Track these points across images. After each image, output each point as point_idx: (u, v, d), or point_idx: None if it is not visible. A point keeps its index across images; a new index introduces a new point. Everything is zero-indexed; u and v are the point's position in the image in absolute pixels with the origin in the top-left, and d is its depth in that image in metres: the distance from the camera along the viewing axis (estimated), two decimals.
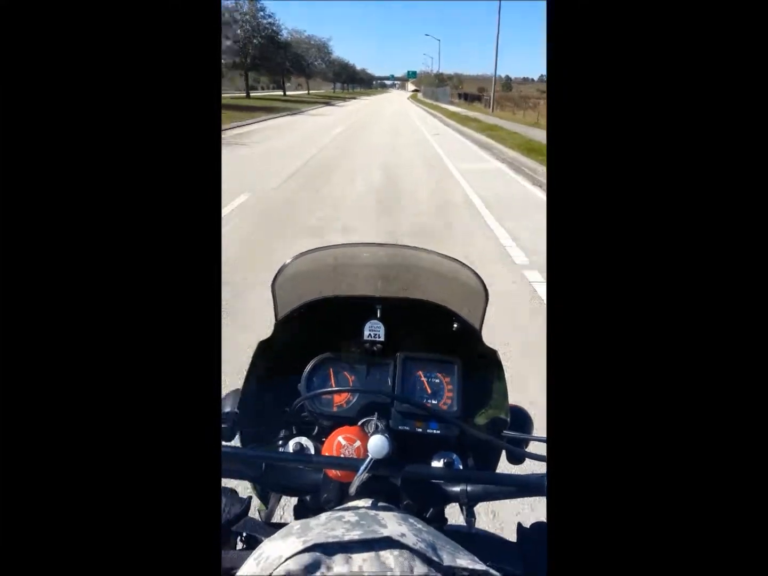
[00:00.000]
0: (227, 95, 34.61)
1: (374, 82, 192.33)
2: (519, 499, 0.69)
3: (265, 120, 19.17)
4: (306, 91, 68.03)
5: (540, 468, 0.49)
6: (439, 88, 54.93)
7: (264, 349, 0.67)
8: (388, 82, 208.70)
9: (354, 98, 59.69)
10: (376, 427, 0.59)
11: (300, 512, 0.58)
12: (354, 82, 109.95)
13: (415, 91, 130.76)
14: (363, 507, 0.47)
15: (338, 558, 0.36)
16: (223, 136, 10.87)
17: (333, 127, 16.89)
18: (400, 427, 0.61)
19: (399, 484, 0.54)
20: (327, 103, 37.87)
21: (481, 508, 1.55)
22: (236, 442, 0.63)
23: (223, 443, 0.55)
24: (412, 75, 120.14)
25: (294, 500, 0.61)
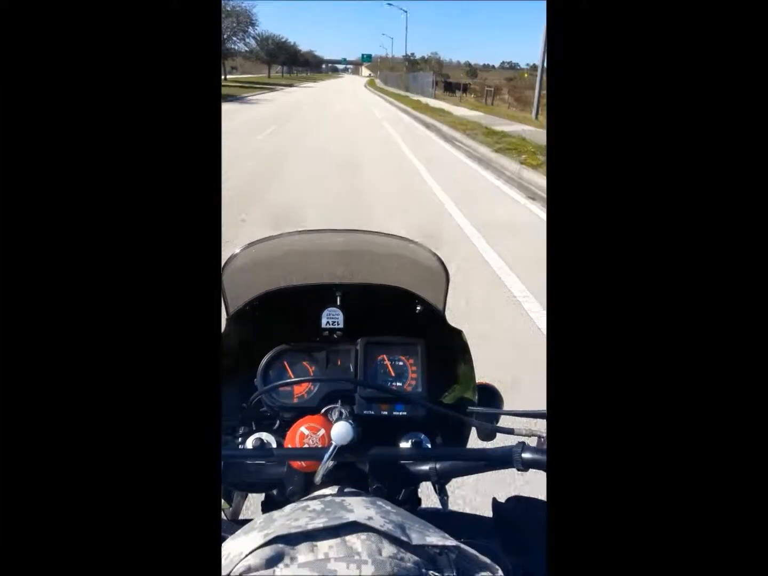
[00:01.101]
0: None
1: (323, 66, 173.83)
2: (497, 477, 0.70)
3: None
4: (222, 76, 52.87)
5: (509, 441, 0.52)
6: (412, 74, 40.43)
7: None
8: (339, 66, 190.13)
9: (290, 85, 41.97)
10: (340, 413, 0.58)
11: (267, 507, 0.57)
12: (296, 64, 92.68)
13: (370, 77, 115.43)
14: (329, 495, 0.47)
15: (302, 547, 0.35)
16: None
17: None
18: (365, 412, 0.61)
19: (367, 469, 0.53)
20: (231, 98, 19.75)
21: (464, 488, 1.51)
22: None
23: None
24: (366, 59, 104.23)
25: (262, 496, 0.60)
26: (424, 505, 0.60)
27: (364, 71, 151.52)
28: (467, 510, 0.95)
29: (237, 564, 0.34)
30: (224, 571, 0.33)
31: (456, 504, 1.48)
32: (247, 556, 0.34)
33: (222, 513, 0.61)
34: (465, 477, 0.58)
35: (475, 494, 1.52)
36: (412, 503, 0.57)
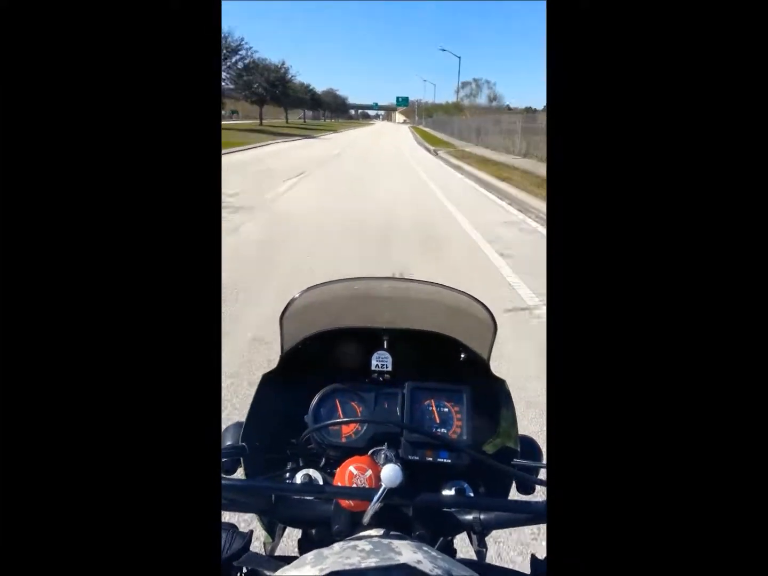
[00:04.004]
0: None
1: (353, 112, 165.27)
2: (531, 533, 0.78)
3: None
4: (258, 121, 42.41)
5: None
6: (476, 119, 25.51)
7: (269, 381, 0.67)
8: (371, 113, 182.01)
9: (309, 136, 30.34)
10: (387, 456, 0.59)
11: (304, 546, 0.58)
12: (321, 108, 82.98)
13: (405, 122, 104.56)
14: (376, 536, 0.48)
15: None
16: None
17: None
18: (410, 457, 0.61)
19: (411, 513, 0.54)
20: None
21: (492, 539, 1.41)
22: (239, 475, 0.60)
23: (230, 476, 0.57)
24: (402, 102, 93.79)
25: (296, 535, 0.61)
26: (459, 556, 0.56)
27: (398, 117, 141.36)
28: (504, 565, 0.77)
29: None
30: None
31: (491, 560, 1.30)
32: None
33: (262, 548, 0.61)
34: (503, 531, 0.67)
35: (509, 550, 1.43)
36: (449, 553, 0.54)
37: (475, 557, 0.57)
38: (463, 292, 0.72)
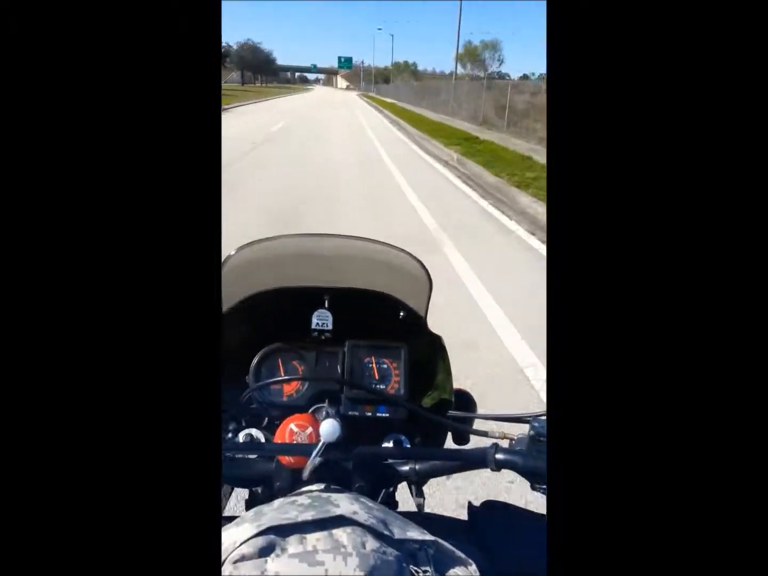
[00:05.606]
0: None
1: (289, 75, 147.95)
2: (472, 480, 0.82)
3: None
4: None
5: (483, 443, 0.56)
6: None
7: None
8: (310, 76, 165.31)
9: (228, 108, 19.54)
10: (327, 413, 0.59)
11: (251, 505, 0.57)
12: (259, 72, 69.46)
13: (349, 88, 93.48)
14: (316, 491, 0.49)
15: (292, 539, 0.37)
16: None
17: None
18: (350, 413, 0.64)
19: (350, 467, 0.55)
20: None
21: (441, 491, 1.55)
22: None
23: None
24: (345, 64, 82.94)
25: (243, 495, 0.64)
26: (401, 509, 0.58)
27: (340, 81, 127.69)
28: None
29: (231, 552, 0.36)
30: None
31: (432, 508, 1.37)
32: (240, 545, 0.36)
33: None
34: (442, 480, 0.66)
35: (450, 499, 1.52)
36: (390, 505, 0.57)
37: (415, 509, 0.59)
38: (402, 250, 0.72)
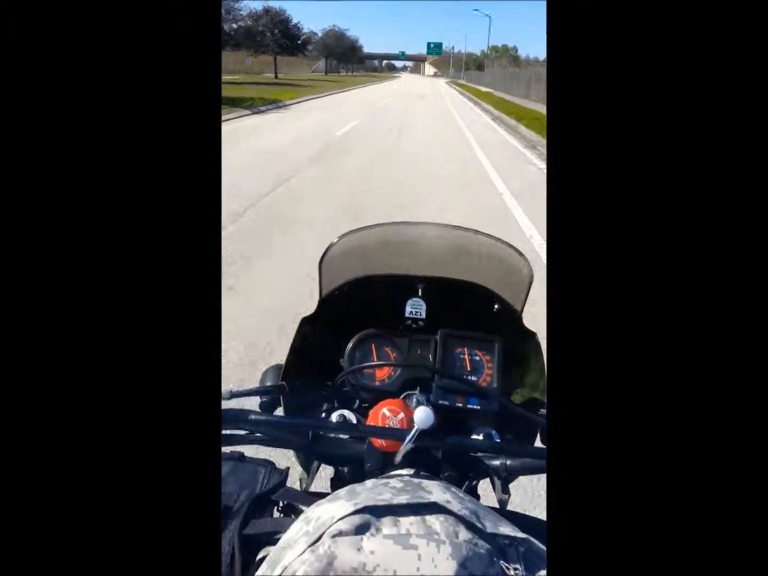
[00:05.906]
0: None
1: (377, 63, 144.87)
2: None
3: None
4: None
5: None
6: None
7: (307, 324, 0.69)
8: (398, 64, 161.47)
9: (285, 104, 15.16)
10: (418, 400, 0.62)
11: (337, 483, 0.61)
12: (344, 60, 67.12)
13: (436, 75, 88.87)
14: (407, 475, 0.49)
15: (387, 520, 0.37)
16: None
17: None
18: (441, 402, 0.63)
19: (440, 456, 0.56)
20: None
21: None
22: (279, 413, 0.64)
23: (270, 414, 0.62)
24: (434, 50, 78.45)
25: (329, 474, 0.65)
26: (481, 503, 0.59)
27: (428, 68, 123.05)
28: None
29: (330, 527, 0.36)
30: (316, 533, 0.36)
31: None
32: (338, 521, 0.36)
33: (298, 484, 0.64)
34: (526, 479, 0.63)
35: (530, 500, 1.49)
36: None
37: (497, 504, 0.59)
38: (502, 240, 0.72)
